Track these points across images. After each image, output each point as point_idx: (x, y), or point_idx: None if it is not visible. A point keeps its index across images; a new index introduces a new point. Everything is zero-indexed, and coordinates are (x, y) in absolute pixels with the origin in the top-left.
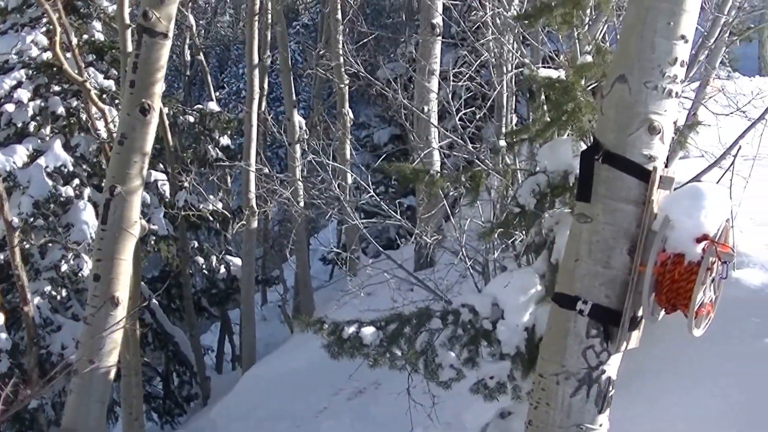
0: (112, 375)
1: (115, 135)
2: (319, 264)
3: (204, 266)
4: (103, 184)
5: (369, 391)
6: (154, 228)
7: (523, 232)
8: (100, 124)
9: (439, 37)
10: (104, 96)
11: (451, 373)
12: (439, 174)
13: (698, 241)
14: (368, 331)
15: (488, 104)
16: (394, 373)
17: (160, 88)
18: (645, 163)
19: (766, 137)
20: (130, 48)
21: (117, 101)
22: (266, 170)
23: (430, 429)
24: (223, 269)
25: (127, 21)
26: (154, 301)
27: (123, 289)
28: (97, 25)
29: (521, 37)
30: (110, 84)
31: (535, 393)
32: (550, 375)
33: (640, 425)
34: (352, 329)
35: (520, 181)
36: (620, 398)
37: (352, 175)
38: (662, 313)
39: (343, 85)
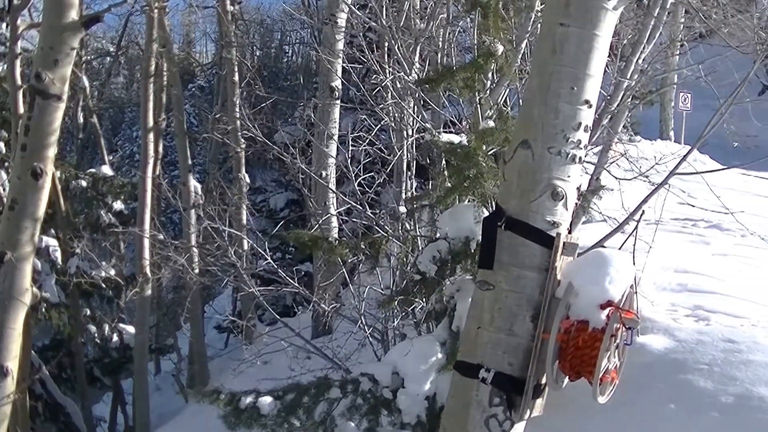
0: None
1: (5, 199)
2: (214, 332)
3: (96, 335)
4: None
5: None
6: (45, 295)
7: (424, 300)
8: None
9: (338, 101)
10: None
11: None
12: (337, 241)
13: (602, 307)
14: (266, 401)
15: (388, 169)
16: None
17: (53, 151)
18: (548, 229)
19: (668, 202)
20: (21, 110)
21: (7, 164)
22: (161, 236)
23: None
24: (116, 337)
25: (19, 82)
26: (44, 371)
27: (13, 360)
28: None
29: (422, 102)
30: (0, 146)
31: None
32: None
33: None
34: (249, 399)
35: (420, 248)
36: None
37: (248, 241)
38: (566, 380)
39: (239, 150)
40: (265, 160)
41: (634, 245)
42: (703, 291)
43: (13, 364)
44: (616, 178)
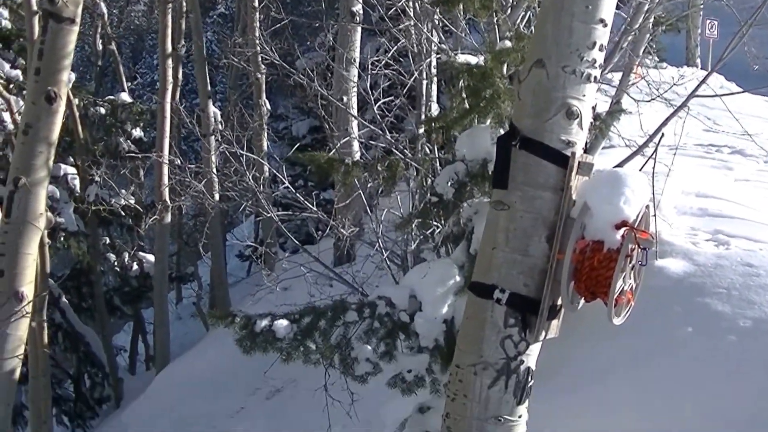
0: (17, 375)
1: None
2: (236, 260)
3: (116, 263)
4: None
5: (286, 389)
6: (60, 221)
7: (442, 223)
8: (5, 116)
9: (359, 25)
10: (11, 86)
11: (367, 367)
12: (354, 163)
13: (617, 227)
14: (281, 324)
15: (408, 93)
16: (311, 370)
17: (66, 75)
18: (563, 148)
19: (692, 129)
20: (37, 36)
21: (24, 91)
22: (179, 162)
23: (349, 427)
24: (135, 266)
25: (35, 7)
26: (63, 300)
27: (28, 285)
28: (4, 12)
29: (441, 24)
30: (17, 74)
31: (452, 385)
32: (467, 366)
33: (559, 417)
34: (264, 323)
35: (438, 171)
36: (540, 389)
37: (268, 167)
38: (582, 301)
39: (259, 76)
40: (286, 87)
41: (653, 168)
42: (724, 216)
43: (28, 290)
44: (635, 100)
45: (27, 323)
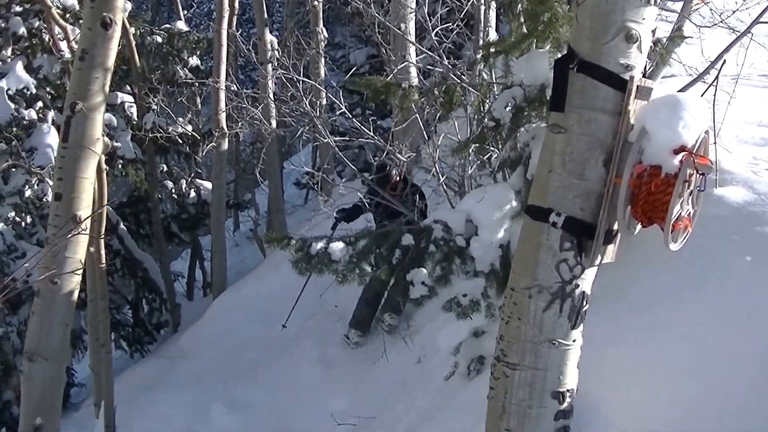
0: (75, 296)
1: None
2: (293, 188)
3: (173, 190)
4: None
5: (344, 313)
6: (117, 145)
7: (499, 148)
8: (62, 45)
9: None
10: (67, 15)
11: (422, 290)
12: (411, 87)
13: (676, 152)
14: (337, 247)
15: (466, 19)
16: None
17: (122, 2)
18: (621, 72)
19: (758, 59)
20: None
21: (80, 20)
22: (235, 87)
23: (404, 352)
24: (193, 193)
25: None
26: (122, 226)
27: (85, 209)
28: None
29: None
30: (73, 3)
31: (506, 307)
32: (522, 289)
33: (613, 343)
34: (320, 245)
35: (495, 96)
36: (594, 314)
37: (325, 93)
38: (638, 226)
39: (316, 3)
40: (343, 15)
41: (714, 96)
42: None
43: (85, 214)
44: (697, 26)
45: (85, 247)
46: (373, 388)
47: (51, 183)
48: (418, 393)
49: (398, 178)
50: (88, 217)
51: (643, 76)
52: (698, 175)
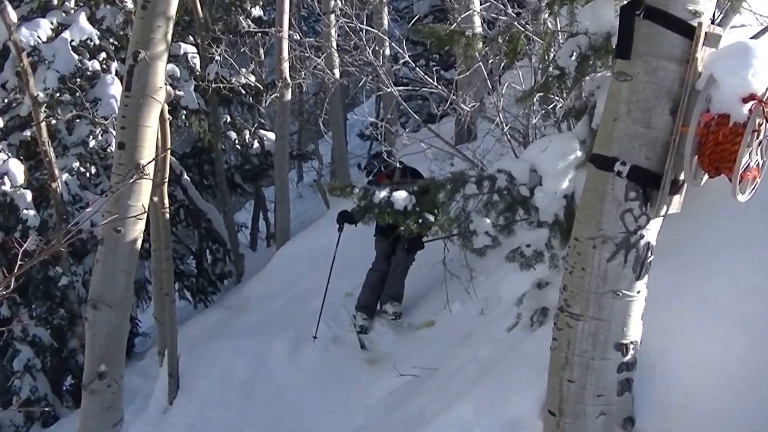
0: (138, 244)
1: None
2: (357, 140)
3: (236, 141)
4: None
5: None
6: (180, 94)
7: (563, 97)
8: None
9: None
10: None
11: (485, 240)
12: (475, 36)
13: (745, 101)
14: (400, 195)
15: None
16: (430, 246)
17: None
18: (689, 18)
19: None
20: None
21: None
22: (298, 37)
23: (467, 303)
24: (256, 144)
25: None
26: (185, 177)
27: (148, 157)
28: None
29: None
30: None
31: (570, 257)
32: (586, 239)
33: (678, 295)
34: (383, 194)
35: (560, 44)
36: (659, 266)
37: (389, 42)
38: (705, 176)
39: None
40: None
41: None
42: None
43: (148, 165)
44: None
45: (147, 195)
46: (435, 339)
47: (115, 133)
48: (480, 344)
49: (398, 166)
50: (149, 162)
51: (712, 23)
52: None
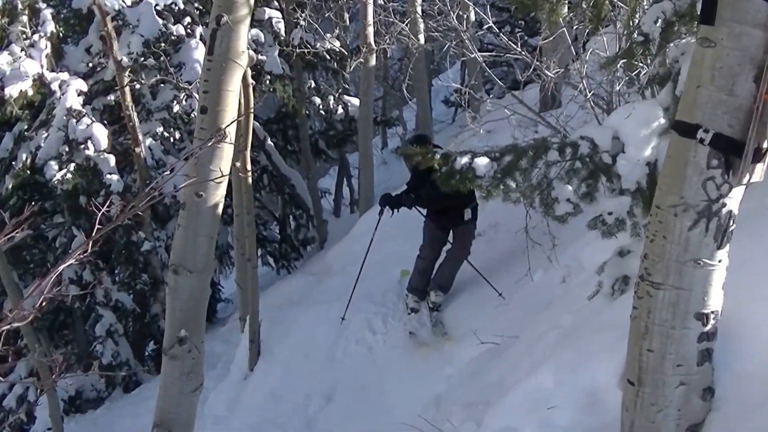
0: (219, 209)
1: None
2: (442, 106)
3: (321, 107)
4: None
5: (488, 233)
6: (262, 59)
7: (647, 64)
8: None
9: None
10: None
11: (567, 207)
12: (560, 1)
13: None
14: (482, 162)
15: None
16: (512, 215)
17: None
18: None
19: None
20: None
21: None
22: (383, 2)
23: (549, 271)
24: (340, 110)
25: None
26: (269, 142)
27: (230, 122)
28: None
29: None
30: None
31: (651, 225)
32: (667, 207)
33: (759, 264)
34: (464, 160)
35: (645, 10)
36: (741, 235)
37: (473, 8)
38: None
39: None
40: None
41: None
42: None
43: (231, 127)
44: None
45: (229, 160)
46: (516, 307)
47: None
48: (561, 312)
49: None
50: (230, 124)
51: None
52: None
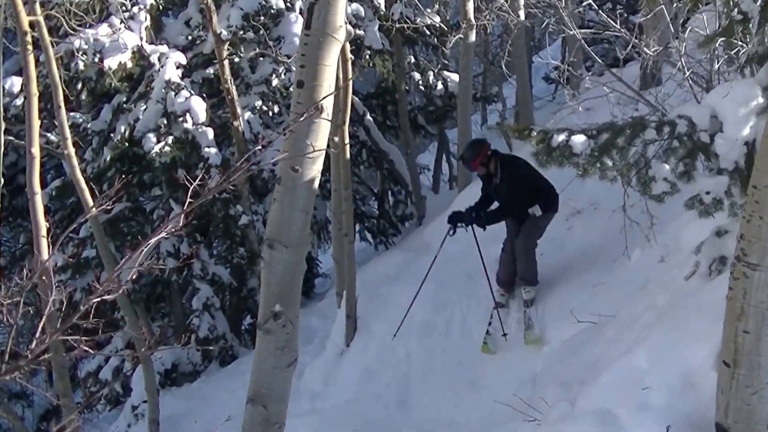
0: (316, 183)
1: None
2: (542, 83)
3: (420, 82)
4: None
5: (586, 211)
6: (360, 33)
7: (747, 42)
8: None
9: None
10: None
11: (664, 186)
12: None
13: None
14: (579, 139)
15: None
16: (610, 194)
17: None
18: None
19: None
20: None
21: None
22: None
23: (647, 249)
24: (440, 85)
25: None
26: (368, 117)
27: (328, 97)
28: None
29: None
30: None
31: (747, 206)
32: (764, 187)
33: None
34: (561, 137)
35: None
36: None
37: None
38: None
39: None
40: None
41: None
42: None
43: (327, 102)
44: None
45: (326, 135)
46: (613, 286)
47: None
48: (658, 292)
49: (493, 155)
50: (325, 97)
51: None
52: None
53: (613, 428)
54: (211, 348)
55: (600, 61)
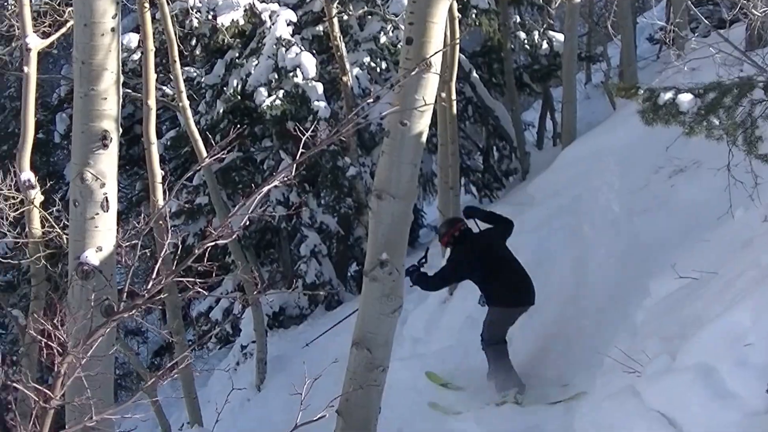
0: (423, 137)
1: None
2: (646, 44)
3: (526, 41)
4: None
5: (689, 169)
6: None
7: None
8: None
9: None
10: None
11: None
12: None
13: None
14: (685, 98)
15: None
16: (714, 152)
17: None
18: None
19: None
20: None
21: None
22: None
23: (751, 210)
24: (545, 45)
25: None
26: (474, 75)
27: (436, 53)
28: None
29: None
30: None
31: None
32: None
33: None
34: (668, 96)
35: None
36: None
37: None
38: None
39: None
40: None
41: None
42: None
43: (435, 59)
44: None
45: (434, 90)
46: (716, 243)
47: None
48: (762, 250)
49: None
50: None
51: None
52: None
53: (714, 382)
54: (317, 293)
55: (706, 21)
